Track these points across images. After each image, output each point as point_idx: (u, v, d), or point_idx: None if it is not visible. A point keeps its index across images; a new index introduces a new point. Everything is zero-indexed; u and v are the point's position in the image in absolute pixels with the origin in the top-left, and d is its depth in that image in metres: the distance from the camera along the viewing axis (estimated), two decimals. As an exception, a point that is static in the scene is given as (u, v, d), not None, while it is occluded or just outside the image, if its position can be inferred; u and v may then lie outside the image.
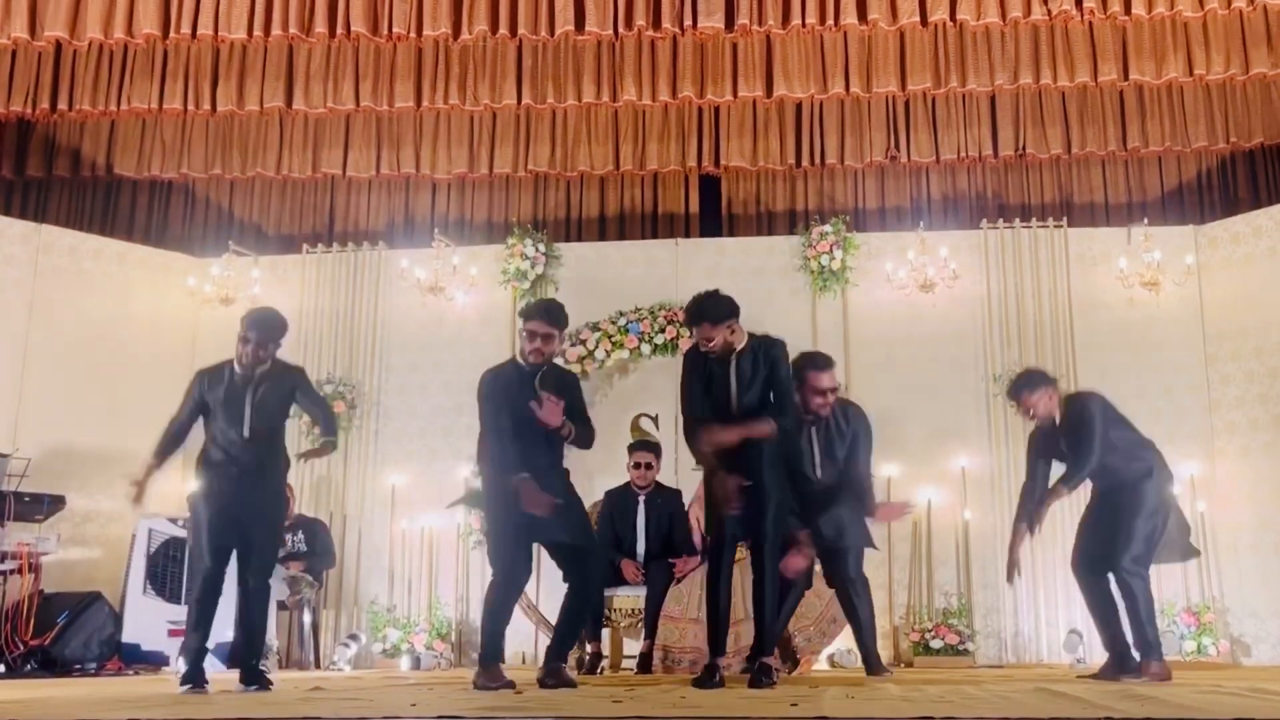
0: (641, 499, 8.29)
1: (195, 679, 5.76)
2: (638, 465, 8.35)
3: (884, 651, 9.49)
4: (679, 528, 8.09)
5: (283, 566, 9.14)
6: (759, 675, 5.63)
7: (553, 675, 5.61)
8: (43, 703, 4.81)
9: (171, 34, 8.80)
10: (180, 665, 6.19)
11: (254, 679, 5.97)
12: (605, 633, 8.04)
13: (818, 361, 6.86)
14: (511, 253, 10.49)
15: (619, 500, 8.37)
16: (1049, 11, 8.55)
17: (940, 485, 9.75)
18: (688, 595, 7.52)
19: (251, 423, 6.04)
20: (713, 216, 11.51)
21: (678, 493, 8.42)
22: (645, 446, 8.61)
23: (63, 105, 9.87)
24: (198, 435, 6.21)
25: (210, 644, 6.10)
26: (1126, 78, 9.46)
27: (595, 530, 8.39)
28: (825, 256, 10.12)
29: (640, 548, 8.20)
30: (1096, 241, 10.28)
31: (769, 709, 4.10)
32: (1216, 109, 10.38)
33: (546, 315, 5.98)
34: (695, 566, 7.70)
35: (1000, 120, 10.56)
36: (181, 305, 10.72)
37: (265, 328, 6.09)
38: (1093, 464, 6.33)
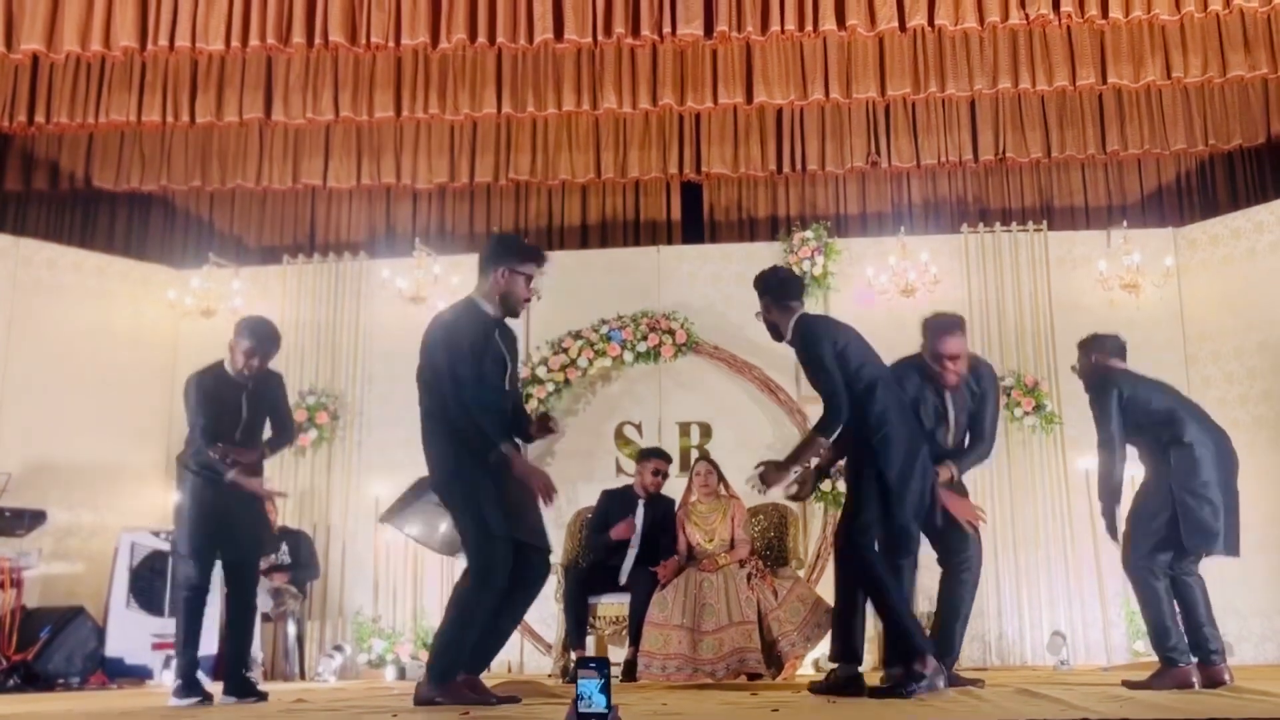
0: (642, 503, 8.26)
1: (200, 692, 5.81)
2: (657, 473, 8.26)
3: (869, 655, 9.49)
4: (667, 533, 8.06)
5: (266, 578, 9.13)
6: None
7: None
8: (26, 718, 4.80)
9: (149, 46, 8.75)
10: (166, 679, 6.17)
11: (249, 690, 6.01)
12: (590, 640, 8.01)
13: (941, 324, 6.15)
14: (493, 261, 10.46)
15: (618, 502, 8.32)
16: (1027, 16, 8.57)
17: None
18: (672, 601, 7.51)
19: (244, 426, 6.18)
20: (694, 223, 11.52)
21: (672, 501, 8.34)
22: (663, 455, 8.50)
23: (40, 118, 9.80)
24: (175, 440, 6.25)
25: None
26: (1105, 81, 9.49)
27: (588, 531, 8.42)
28: (807, 262, 10.14)
29: (634, 551, 8.17)
30: (1076, 245, 10.31)
31: (751, 715, 4.10)
32: (1195, 112, 10.43)
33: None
34: (678, 572, 7.68)
35: (980, 125, 10.59)
36: (162, 317, 10.68)
37: (270, 342, 6.24)
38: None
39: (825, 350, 5.35)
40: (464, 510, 5.14)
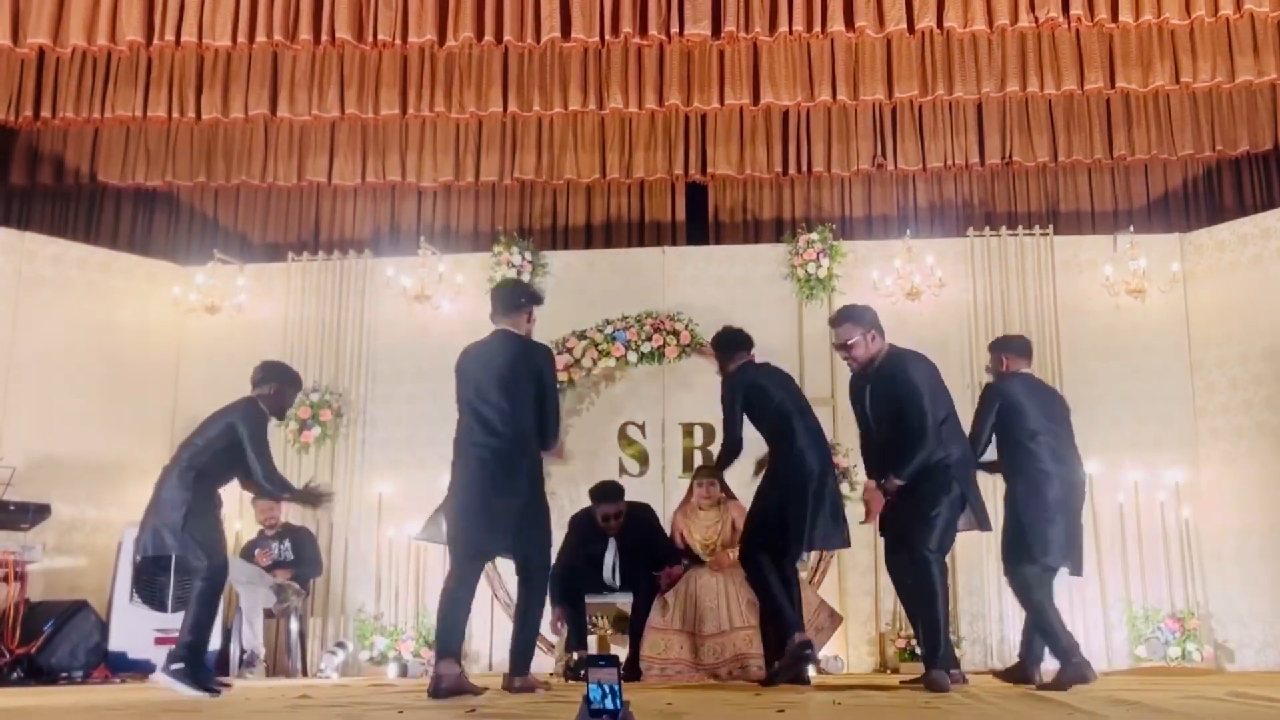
0: (612, 539, 8.02)
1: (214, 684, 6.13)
2: (605, 518, 7.92)
3: (870, 658, 9.51)
4: (658, 542, 7.92)
5: (270, 574, 9.14)
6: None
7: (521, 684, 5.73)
8: (29, 712, 4.79)
9: (155, 41, 8.75)
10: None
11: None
12: (591, 639, 8.00)
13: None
14: (498, 261, 10.45)
15: (587, 534, 8.02)
16: (1036, 19, 8.55)
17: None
18: (673, 606, 7.49)
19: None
20: (699, 224, 11.50)
21: (646, 508, 8.17)
22: (608, 498, 7.99)
23: (46, 113, 9.80)
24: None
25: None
26: (1113, 85, 9.47)
27: (558, 559, 8.19)
28: (811, 264, 10.13)
29: (609, 580, 8.05)
30: (1082, 249, 10.29)
31: (755, 716, 4.09)
32: (1203, 117, 10.40)
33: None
34: (679, 576, 7.65)
35: (987, 128, 10.56)
36: (166, 314, 10.67)
37: None
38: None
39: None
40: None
